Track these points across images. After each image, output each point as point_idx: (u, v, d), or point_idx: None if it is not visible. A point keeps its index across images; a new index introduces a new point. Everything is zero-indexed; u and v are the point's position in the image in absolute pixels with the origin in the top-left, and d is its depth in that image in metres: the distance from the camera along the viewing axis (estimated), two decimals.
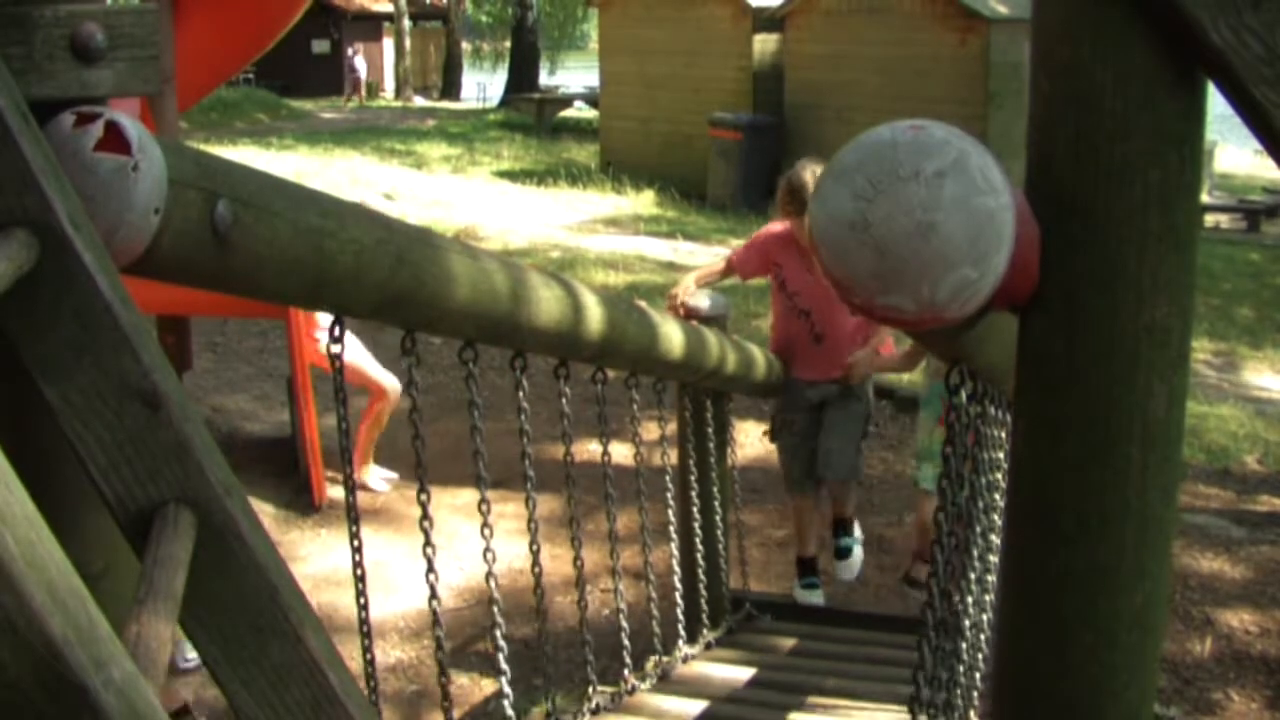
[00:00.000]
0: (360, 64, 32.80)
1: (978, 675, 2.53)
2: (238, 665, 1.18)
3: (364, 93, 32.56)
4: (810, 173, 4.17)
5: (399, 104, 31.73)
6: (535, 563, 2.78)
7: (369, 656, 2.22)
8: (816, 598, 4.74)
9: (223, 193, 1.41)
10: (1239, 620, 4.56)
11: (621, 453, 3.86)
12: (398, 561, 4.83)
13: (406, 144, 20.36)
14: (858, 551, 4.87)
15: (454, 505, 5.24)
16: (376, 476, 5.80)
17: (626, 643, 3.26)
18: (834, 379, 4.46)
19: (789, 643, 4.07)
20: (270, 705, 1.18)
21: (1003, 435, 2.31)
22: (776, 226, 4.56)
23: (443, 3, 36.66)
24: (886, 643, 4.06)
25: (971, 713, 2.46)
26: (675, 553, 4.01)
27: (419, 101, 32.41)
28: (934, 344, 1.90)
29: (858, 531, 4.92)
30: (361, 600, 2.16)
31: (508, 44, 34.58)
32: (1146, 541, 1.33)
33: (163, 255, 1.34)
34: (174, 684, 3.58)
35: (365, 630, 2.19)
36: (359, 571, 2.14)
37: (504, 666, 2.57)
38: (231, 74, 7.81)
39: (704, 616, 3.93)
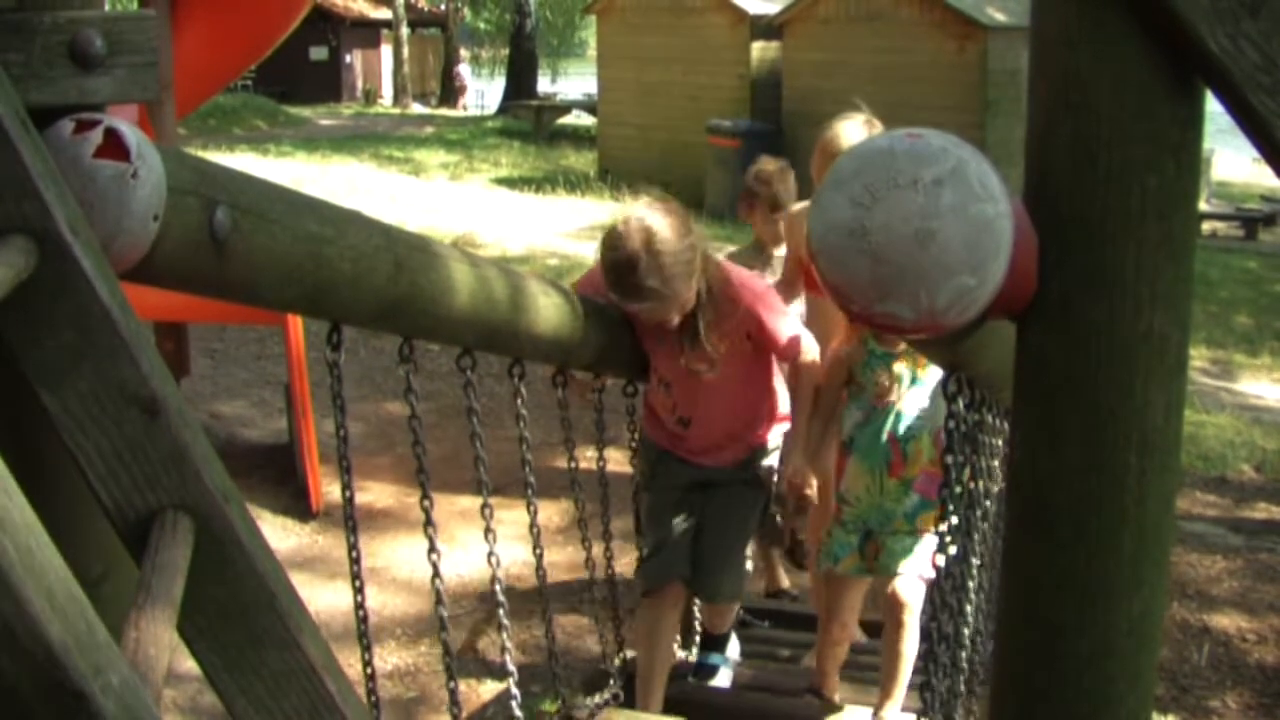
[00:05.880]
0: (465, 70, 33.30)
1: (977, 683, 2.53)
2: (236, 672, 1.18)
3: (465, 97, 33.13)
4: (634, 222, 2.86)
5: (397, 111, 31.76)
6: (539, 567, 2.78)
7: (369, 671, 2.21)
8: None
9: (221, 200, 1.41)
10: (1236, 628, 4.56)
11: (619, 459, 3.86)
12: (395, 566, 4.82)
13: (404, 151, 20.35)
14: (725, 673, 3.58)
15: (451, 510, 5.22)
16: None
17: (627, 651, 3.26)
18: (721, 465, 3.26)
19: (786, 651, 4.06)
20: (268, 712, 1.18)
21: (1000, 443, 2.31)
22: None
23: (441, 10, 36.71)
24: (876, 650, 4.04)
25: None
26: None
27: (417, 108, 32.43)
28: (932, 352, 1.91)
29: (733, 647, 3.65)
30: (361, 613, 2.16)
31: (506, 51, 34.64)
32: (1144, 549, 1.33)
33: (161, 262, 1.34)
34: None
35: (365, 643, 2.19)
36: (357, 584, 2.14)
37: (512, 669, 2.58)
38: (229, 80, 7.81)
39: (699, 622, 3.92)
